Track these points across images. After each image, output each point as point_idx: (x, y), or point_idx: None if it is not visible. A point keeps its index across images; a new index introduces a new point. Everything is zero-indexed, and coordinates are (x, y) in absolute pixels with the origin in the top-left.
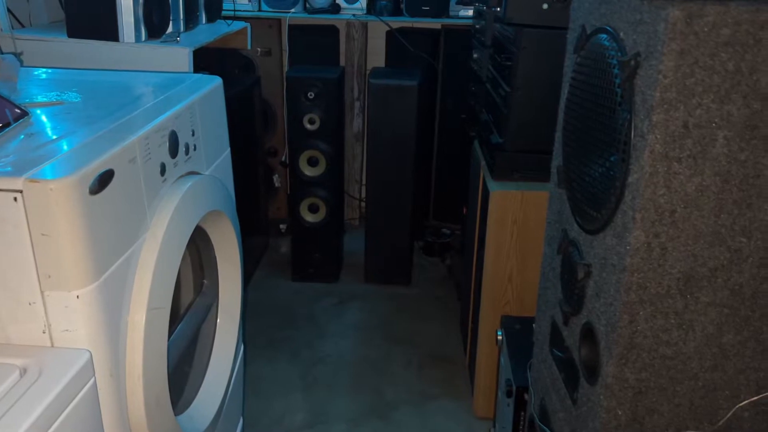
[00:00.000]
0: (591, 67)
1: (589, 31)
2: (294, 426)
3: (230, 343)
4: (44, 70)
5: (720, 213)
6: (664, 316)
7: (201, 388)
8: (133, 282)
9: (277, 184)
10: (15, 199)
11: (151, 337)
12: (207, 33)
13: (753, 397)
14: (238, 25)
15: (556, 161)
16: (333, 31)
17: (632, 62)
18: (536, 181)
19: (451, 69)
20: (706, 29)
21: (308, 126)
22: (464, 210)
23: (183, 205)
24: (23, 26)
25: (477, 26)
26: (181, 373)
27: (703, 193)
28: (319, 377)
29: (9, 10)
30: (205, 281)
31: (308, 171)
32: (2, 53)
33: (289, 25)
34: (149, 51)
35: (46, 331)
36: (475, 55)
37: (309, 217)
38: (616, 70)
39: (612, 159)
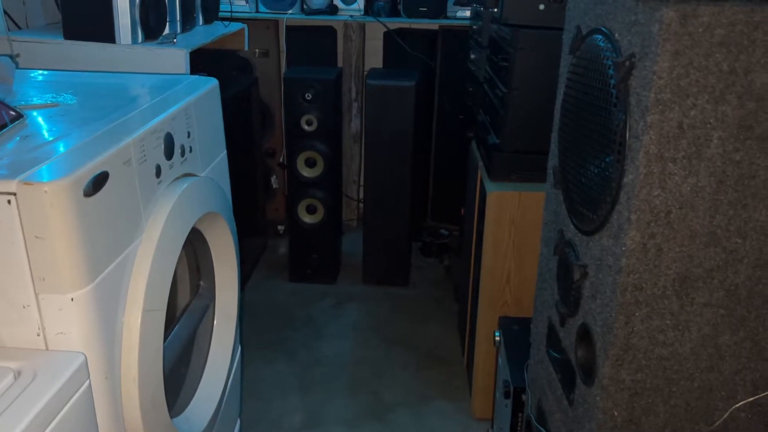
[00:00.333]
0: (586, 67)
1: (584, 32)
2: (292, 428)
3: (227, 345)
4: (40, 72)
5: (715, 213)
6: (660, 317)
7: (198, 390)
8: (129, 284)
9: (275, 185)
10: (9, 201)
11: (147, 340)
12: (204, 34)
13: (749, 397)
14: (236, 26)
15: (552, 162)
16: (330, 32)
17: (627, 63)
18: (534, 182)
19: (448, 70)
20: (700, 30)
21: (306, 127)
22: (462, 211)
23: (178, 207)
24: (20, 28)
25: (474, 27)
26: (178, 375)
27: (698, 194)
28: (316, 379)
29: (5, 12)
30: (201, 283)
31: (306, 172)
32: None
33: (287, 27)
34: (146, 53)
35: (41, 334)
36: (472, 56)
37: (307, 218)
38: (611, 71)
39: (607, 160)
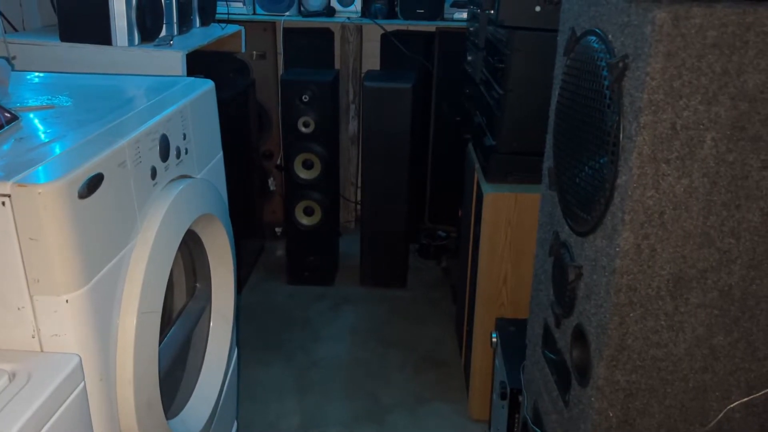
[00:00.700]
0: (580, 69)
1: (578, 34)
2: (289, 430)
3: (223, 347)
4: (36, 74)
5: (708, 214)
6: (654, 318)
7: (194, 392)
8: (124, 286)
9: (272, 187)
10: (3, 203)
11: (142, 341)
12: (201, 36)
13: (743, 398)
14: (232, 28)
15: (548, 163)
16: (328, 34)
17: (620, 64)
18: (530, 183)
19: (445, 71)
20: (692, 31)
21: (303, 129)
22: (459, 212)
23: (174, 208)
24: (16, 30)
25: (471, 29)
26: (174, 377)
27: (691, 195)
28: (314, 381)
29: (2, 14)
30: (197, 285)
31: (303, 174)
32: None
33: (284, 29)
34: (142, 55)
35: (35, 336)
36: (469, 58)
37: (304, 220)
38: (604, 72)
39: (601, 161)
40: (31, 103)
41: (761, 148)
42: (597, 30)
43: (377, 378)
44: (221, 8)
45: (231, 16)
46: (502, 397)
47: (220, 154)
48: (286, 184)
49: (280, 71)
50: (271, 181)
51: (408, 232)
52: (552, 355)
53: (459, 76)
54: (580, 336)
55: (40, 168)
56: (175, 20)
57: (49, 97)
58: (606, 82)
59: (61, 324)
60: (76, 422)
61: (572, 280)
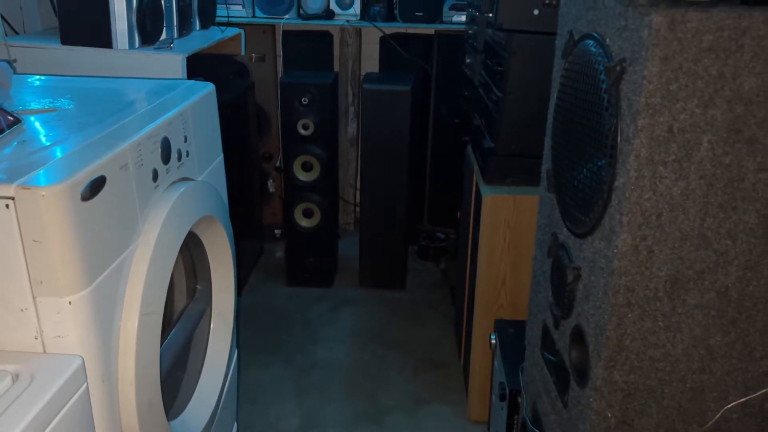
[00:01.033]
0: (578, 72)
1: (576, 37)
2: (288, 431)
3: (224, 348)
4: (37, 77)
5: (705, 216)
6: (652, 319)
7: (194, 394)
8: (126, 288)
9: (271, 190)
10: (7, 205)
11: (144, 343)
12: (201, 39)
13: (741, 398)
14: (232, 31)
15: (546, 165)
16: (327, 36)
17: (618, 68)
18: (529, 185)
19: (444, 74)
20: (689, 35)
21: (302, 131)
22: (458, 214)
23: (175, 211)
24: (17, 33)
25: (470, 31)
26: (175, 379)
27: (688, 197)
28: (313, 382)
29: (2, 17)
30: (198, 286)
31: (302, 176)
32: None
33: (283, 31)
34: (143, 58)
35: (38, 337)
36: (467, 60)
37: (303, 222)
38: (602, 76)
39: (599, 163)
40: (33, 106)
41: (757, 150)
42: (595, 34)
43: (376, 379)
44: (221, 11)
45: (231, 19)
46: (501, 398)
47: (221, 157)
48: (285, 186)
49: (280, 74)
50: (270, 183)
51: (407, 234)
52: (551, 356)
53: (458, 79)
54: (578, 337)
55: (42, 171)
56: (175, 23)
57: (51, 100)
58: (604, 86)
59: (64, 325)
60: (79, 423)
61: (571, 281)
